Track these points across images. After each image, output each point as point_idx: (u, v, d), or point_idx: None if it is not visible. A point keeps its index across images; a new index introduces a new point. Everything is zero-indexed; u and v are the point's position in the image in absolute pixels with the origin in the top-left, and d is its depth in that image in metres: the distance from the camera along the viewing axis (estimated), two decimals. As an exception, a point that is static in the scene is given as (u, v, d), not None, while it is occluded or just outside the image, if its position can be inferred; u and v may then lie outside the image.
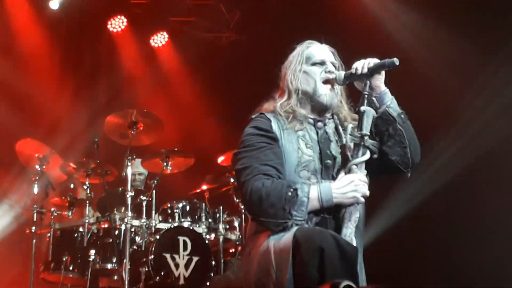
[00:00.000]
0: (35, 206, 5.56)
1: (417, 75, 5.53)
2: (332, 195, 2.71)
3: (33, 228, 5.52)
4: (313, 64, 2.97)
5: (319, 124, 2.95)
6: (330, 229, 2.72)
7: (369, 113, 2.83)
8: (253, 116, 2.98)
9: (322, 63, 2.97)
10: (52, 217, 5.55)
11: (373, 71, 2.88)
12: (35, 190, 5.61)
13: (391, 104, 2.90)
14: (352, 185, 2.72)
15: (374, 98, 2.90)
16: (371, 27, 6.14)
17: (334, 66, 2.99)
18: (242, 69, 7.04)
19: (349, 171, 2.78)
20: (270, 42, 6.70)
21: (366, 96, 2.86)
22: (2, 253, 6.03)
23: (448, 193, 5.56)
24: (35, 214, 5.54)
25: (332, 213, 2.78)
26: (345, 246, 2.54)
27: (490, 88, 5.43)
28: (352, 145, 2.83)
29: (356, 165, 2.78)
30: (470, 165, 5.40)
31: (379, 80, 2.90)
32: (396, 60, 2.83)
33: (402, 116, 2.90)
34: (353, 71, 2.91)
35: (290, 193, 2.67)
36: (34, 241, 5.49)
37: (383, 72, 2.91)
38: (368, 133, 2.81)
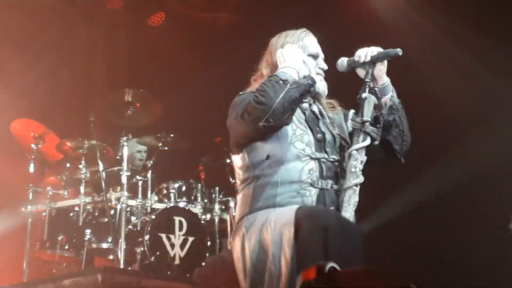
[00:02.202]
0: (30, 185, 5.56)
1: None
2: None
3: (29, 207, 5.52)
4: (309, 55, 3.02)
5: (305, 105, 3.01)
6: (330, 201, 2.79)
7: (371, 100, 2.87)
8: (241, 93, 3.03)
9: (316, 56, 3.04)
10: (48, 196, 5.55)
11: (376, 60, 2.93)
12: (31, 169, 5.60)
13: (393, 93, 2.97)
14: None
15: (376, 89, 2.95)
16: (368, 15, 6.10)
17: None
18: (240, 49, 6.99)
19: (349, 157, 2.83)
20: (268, 23, 6.65)
21: (367, 83, 2.90)
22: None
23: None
24: (30, 193, 5.55)
25: (331, 184, 2.84)
26: (348, 226, 2.56)
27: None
28: (348, 131, 2.91)
29: (357, 150, 2.81)
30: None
31: (382, 71, 2.96)
32: (399, 51, 2.88)
33: (400, 106, 2.98)
34: (356, 58, 2.97)
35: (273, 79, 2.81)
36: (30, 220, 5.50)
37: (385, 62, 2.95)
38: (370, 119, 2.85)
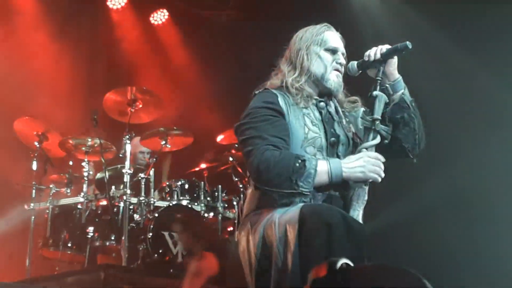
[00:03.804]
0: (33, 182, 5.55)
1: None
2: (341, 170, 2.71)
3: (32, 204, 5.51)
4: (326, 50, 2.99)
5: (321, 104, 2.99)
6: (336, 206, 2.73)
7: (381, 98, 2.86)
8: (257, 92, 3.00)
9: (334, 51, 3.00)
10: (51, 194, 5.54)
11: (386, 56, 2.92)
12: (34, 166, 5.59)
13: (405, 91, 2.95)
14: (361, 161, 2.72)
15: (387, 85, 2.94)
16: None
17: (343, 56, 3.03)
18: (243, 47, 6.99)
19: None
20: (271, 20, 6.65)
21: (379, 81, 2.90)
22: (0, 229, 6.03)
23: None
24: (33, 191, 5.54)
25: (339, 191, 2.82)
26: (352, 224, 2.55)
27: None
28: (363, 128, 2.88)
29: (366, 148, 2.80)
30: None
31: (392, 67, 2.95)
32: (409, 43, 2.85)
33: (413, 104, 2.95)
34: (365, 58, 2.96)
35: (298, 164, 2.66)
36: (33, 217, 5.49)
37: (396, 58, 2.94)
38: (380, 118, 2.84)
